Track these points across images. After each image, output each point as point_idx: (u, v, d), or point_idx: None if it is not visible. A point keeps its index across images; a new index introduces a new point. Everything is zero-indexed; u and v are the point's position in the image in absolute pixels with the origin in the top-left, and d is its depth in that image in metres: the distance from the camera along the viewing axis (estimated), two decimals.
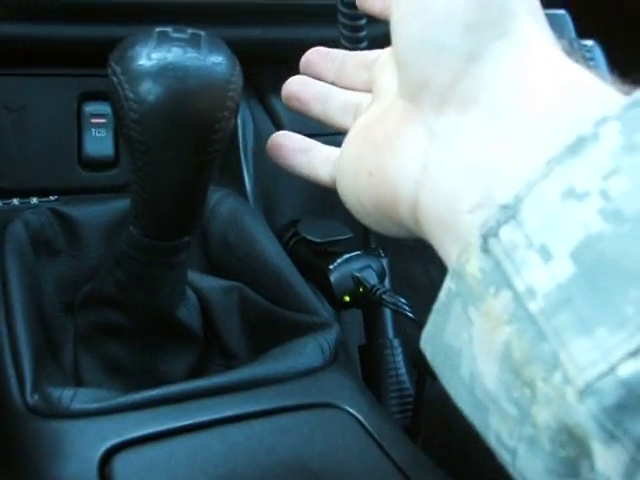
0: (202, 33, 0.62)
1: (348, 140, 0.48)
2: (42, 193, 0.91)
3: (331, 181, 0.51)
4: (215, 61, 0.60)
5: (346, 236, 0.95)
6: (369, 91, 0.52)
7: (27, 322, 0.72)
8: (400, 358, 1.06)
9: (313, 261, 0.94)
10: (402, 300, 0.91)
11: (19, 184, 0.90)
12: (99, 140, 0.93)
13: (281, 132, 0.57)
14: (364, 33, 0.74)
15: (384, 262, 0.98)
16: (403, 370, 1.06)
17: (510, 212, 0.32)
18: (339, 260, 0.92)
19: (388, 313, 1.08)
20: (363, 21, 0.73)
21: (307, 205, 1.04)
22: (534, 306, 0.31)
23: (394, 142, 0.41)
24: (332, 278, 0.91)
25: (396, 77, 0.44)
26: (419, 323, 0.91)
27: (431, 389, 0.91)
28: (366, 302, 0.93)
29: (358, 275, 0.91)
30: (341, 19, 0.74)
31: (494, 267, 0.33)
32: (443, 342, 0.36)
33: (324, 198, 1.06)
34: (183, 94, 0.59)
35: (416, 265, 1.47)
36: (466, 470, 0.80)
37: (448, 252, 0.37)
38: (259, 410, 0.65)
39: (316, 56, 0.57)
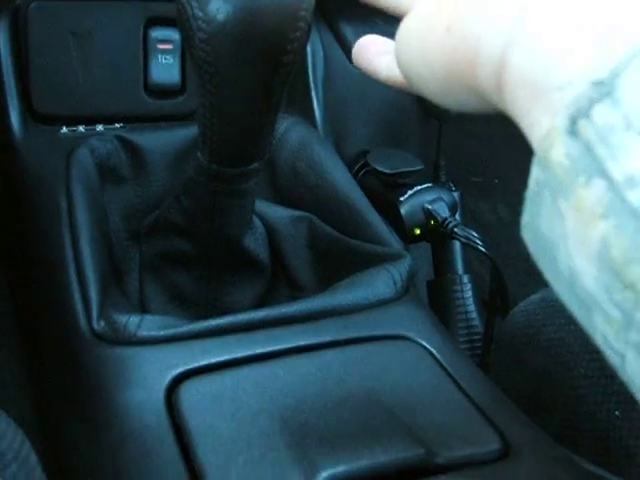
0: None
1: (416, 10, 0.42)
2: (107, 120, 0.90)
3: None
4: None
5: (417, 167, 0.92)
6: None
7: (93, 248, 0.71)
8: (469, 294, 1.04)
9: (382, 193, 0.92)
10: (474, 234, 0.88)
11: (84, 111, 0.89)
12: (165, 67, 0.91)
13: (367, 36, 0.53)
14: None
15: (455, 195, 0.95)
16: (472, 307, 1.04)
17: (605, 89, 0.28)
18: (410, 192, 0.90)
19: (458, 248, 1.06)
20: None
21: (377, 135, 1.02)
22: (635, 197, 0.27)
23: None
24: (402, 210, 0.88)
25: None
26: (491, 258, 0.89)
27: (500, 327, 0.89)
28: (436, 235, 0.91)
29: (429, 207, 0.89)
30: None
31: (584, 152, 0.28)
32: (540, 232, 0.33)
33: (394, 128, 1.03)
34: (254, 13, 0.56)
35: (484, 203, 1.44)
36: (536, 410, 0.78)
37: (534, 126, 0.32)
38: (329, 341, 0.64)
39: None
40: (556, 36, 0.32)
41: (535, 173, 0.31)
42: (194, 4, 0.57)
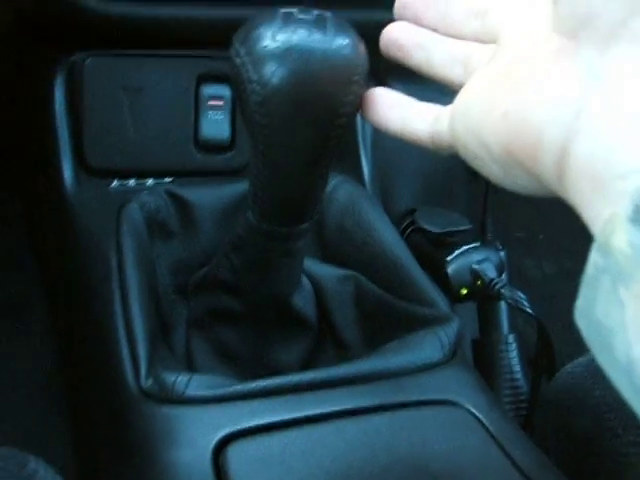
0: (328, 14, 0.60)
1: (471, 86, 0.43)
2: (158, 174, 0.91)
3: (429, 137, 0.47)
4: (341, 44, 0.58)
5: (464, 227, 0.92)
6: (480, 41, 0.46)
7: (142, 305, 0.72)
8: (515, 354, 1.04)
9: (430, 251, 0.92)
10: (521, 295, 0.88)
11: (135, 165, 0.90)
12: (216, 123, 0.92)
13: (377, 88, 0.53)
14: None
15: (502, 255, 0.95)
16: (517, 366, 1.03)
17: None
18: (457, 251, 0.90)
19: (503, 307, 1.05)
20: None
21: (424, 194, 1.02)
22: None
23: (542, 81, 0.36)
24: (449, 270, 0.88)
25: (528, 19, 0.40)
26: (538, 319, 0.88)
27: (547, 386, 0.89)
28: (483, 296, 0.90)
29: (477, 268, 0.88)
30: None
31: None
32: (595, 318, 0.32)
33: (441, 187, 1.04)
34: (308, 77, 0.57)
35: (529, 259, 1.44)
36: (582, 476, 0.77)
37: (596, 218, 0.32)
38: (377, 404, 0.64)
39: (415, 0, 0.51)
40: (620, 125, 0.32)
41: (594, 258, 0.31)
42: (249, 67, 0.58)
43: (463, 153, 0.43)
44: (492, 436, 0.63)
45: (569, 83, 0.35)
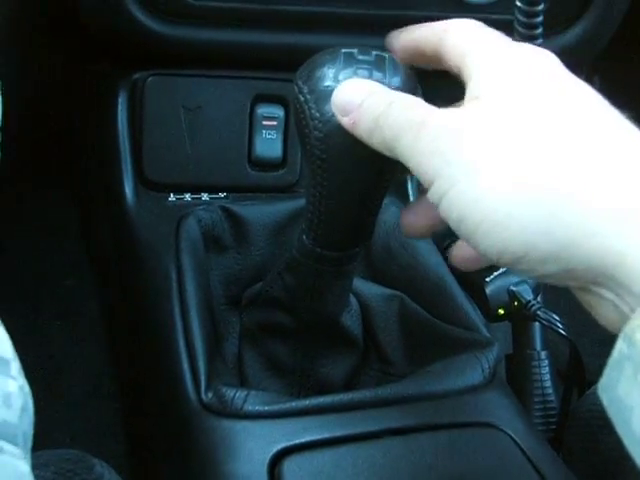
0: (386, 55, 0.63)
1: None
2: (212, 190, 0.95)
3: None
4: (399, 85, 0.61)
5: None
6: None
7: (201, 319, 0.76)
8: (546, 370, 1.07)
9: (469, 272, 0.95)
10: (555, 317, 0.91)
11: (191, 180, 0.95)
12: (269, 142, 0.96)
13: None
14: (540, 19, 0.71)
15: None
16: (549, 383, 1.06)
17: None
18: (495, 273, 0.93)
19: (537, 325, 1.08)
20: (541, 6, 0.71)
21: None
22: None
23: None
24: (488, 290, 0.92)
25: None
26: (571, 340, 0.91)
27: (577, 404, 0.92)
28: (519, 316, 0.94)
29: (514, 289, 0.92)
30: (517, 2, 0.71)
31: None
32: (617, 396, 0.38)
33: None
34: None
35: None
36: None
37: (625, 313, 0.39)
38: (421, 425, 0.67)
39: None
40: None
41: (620, 345, 0.37)
42: (312, 105, 0.61)
43: None
44: (528, 459, 0.66)
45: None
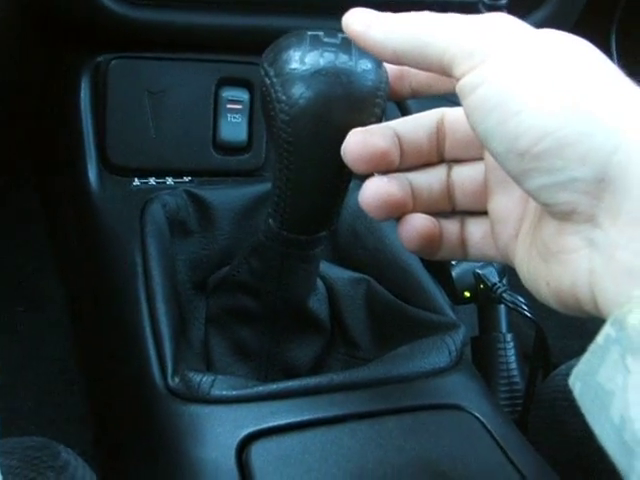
0: None
1: (518, 249, 0.50)
2: (177, 174, 0.95)
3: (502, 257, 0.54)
4: (365, 67, 0.61)
5: None
6: None
7: (167, 304, 0.75)
8: (512, 352, 1.08)
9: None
10: (521, 299, 0.92)
11: (156, 164, 0.94)
12: (234, 125, 0.95)
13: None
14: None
15: None
16: (514, 365, 1.07)
17: None
18: None
19: (502, 308, 1.09)
20: None
21: None
22: None
23: (559, 254, 0.45)
24: (454, 274, 0.92)
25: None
26: (537, 323, 0.92)
27: (542, 386, 0.93)
28: (485, 299, 0.94)
29: (480, 272, 0.92)
30: None
31: None
32: (595, 381, 0.38)
33: None
34: (333, 99, 0.60)
35: None
36: (574, 473, 0.81)
37: (616, 301, 0.40)
38: (389, 408, 0.68)
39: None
40: (618, 279, 0.41)
41: (607, 331, 0.38)
42: (278, 88, 0.61)
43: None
44: (495, 440, 0.67)
45: (578, 253, 0.44)
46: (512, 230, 0.51)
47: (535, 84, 0.42)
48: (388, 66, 0.59)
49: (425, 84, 0.56)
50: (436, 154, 0.56)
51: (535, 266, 0.48)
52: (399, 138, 0.55)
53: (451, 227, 0.56)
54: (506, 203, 0.52)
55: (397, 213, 0.55)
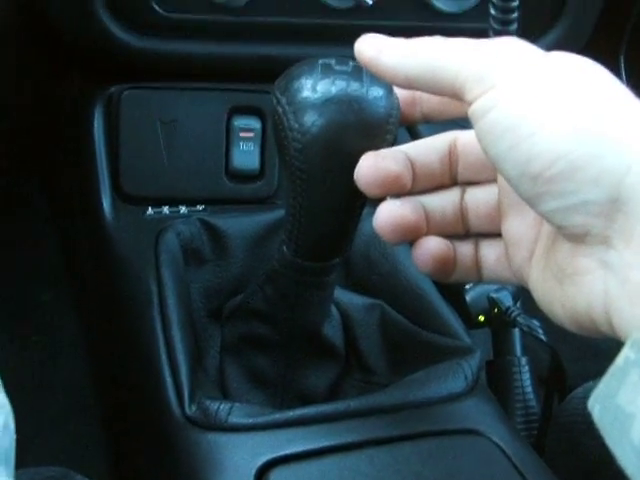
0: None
1: (532, 272, 0.50)
2: (190, 202, 0.95)
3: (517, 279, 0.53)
4: (376, 94, 0.61)
5: None
6: None
7: (182, 333, 0.75)
8: (527, 376, 1.07)
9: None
10: (535, 323, 0.92)
11: (169, 193, 0.94)
12: (246, 153, 0.96)
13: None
14: (515, 15, 0.70)
15: None
16: (530, 388, 1.06)
17: None
18: None
19: (517, 331, 1.09)
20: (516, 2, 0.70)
21: None
22: None
23: (573, 276, 0.45)
24: (468, 298, 0.92)
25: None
26: (551, 347, 0.92)
27: (558, 409, 0.92)
28: (499, 322, 0.94)
29: (494, 296, 0.92)
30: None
31: None
32: (614, 404, 0.38)
33: None
34: (345, 126, 0.60)
35: None
36: None
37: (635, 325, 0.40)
38: (406, 434, 0.67)
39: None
40: (631, 303, 0.41)
41: (626, 353, 0.39)
42: (290, 116, 0.61)
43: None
44: (514, 465, 0.67)
45: (593, 275, 0.44)
46: (526, 252, 0.51)
47: (546, 107, 0.43)
48: (399, 91, 0.59)
49: (437, 109, 0.56)
50: (449, 177, 0.56)
51: (550, 288, 0.48)
52: (411, 161, 0.55)
53: (465, 249, 0.56)
54: (520, 226, 0.52)
55: (411, 236, 0.55)
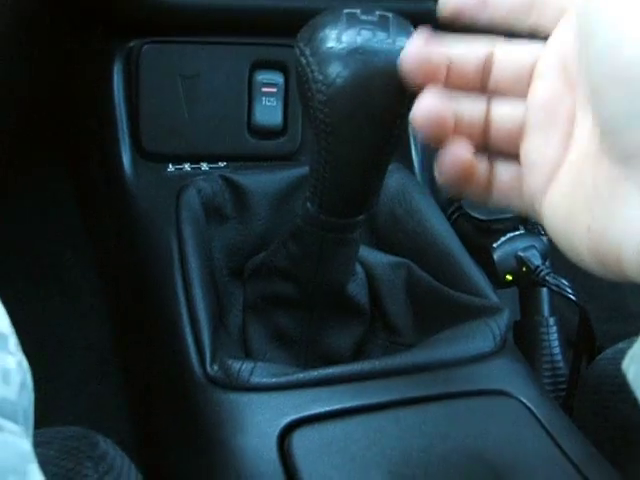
0: (390, 15, 0.61)
1: (553, 191, 0.47)
2: (212, 159, 0.94)
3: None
4: (403, 45, 0.59)
5: (510, 214, 0.94)
6: None
7: (204, 292, 0.74)
8: (555, 337, 1.06)
9: (475, 237, 0.94)
10: (564, 282, 0.90)
11: (190, 150, 0.93)
12: (269, 109, 0.94)
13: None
14: None
15: (546, 241, 0.97)
16: (557, 349, 1.05)
17: None
18: (503, 238, 0.92)
19: (545, 291, 1.07)
20: None
21: None
22: None
23: (610, 203, 0.41)
24: (495, 256, 0.90)
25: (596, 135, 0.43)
26: (581, 306, 0.90)
27: (587, 371, 0.91)
28: (527, 282, 0.93)
29: (522, 255, 0.90)
30: None
31: None
32: None
33: None
34: (371, 77, 0.58)
35: None
36: (621, 459, 0.79)
37: None
38: (433, 394, 0.66)
39: None
40: None
41: None
42: (314, 67, 0.59)
43: (557, 244, 0.47)
44: (542, 426, 0.65)
45: (633, 205, 0.40)
46: (544, 176, 0.48)
47: None
48: None
49: (509, 17, 0.53)
50: (479, 84, 0.54)
51: (574, 215, 0.44)
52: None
53: (480, 166, 0.53)
54: (543, 147, 0.48)
55: (442, 132, 0.52)
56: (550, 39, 0.48)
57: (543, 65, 0.47)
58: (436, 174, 0.52)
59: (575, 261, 0.45)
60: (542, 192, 0.47)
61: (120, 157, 0.90)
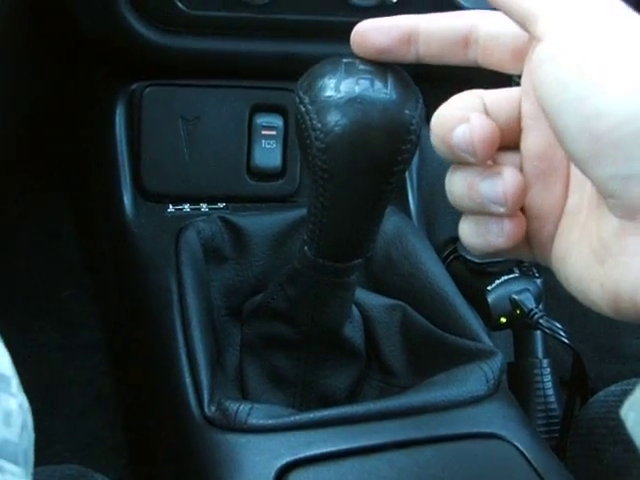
0: (387, 64, 0.63)
1: (562, 246, 0.47)
2: (211, 200, 0.95)
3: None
4: (400, 95, 0.61)
5: (505, 258, 0.95)
6: None
7: (202, 332, 0.75)
8: (549, 378, 1.07)
9: (470, 280, 0.95)
10: (558, 325, 0.91)
11: (190, 191, 0.94)
12: (268, 151, 0.96)
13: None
14: None
15: (539, 282, 0.98)
16: (551, 391, 1.06)
17: None
18: (497, 281, 0.93)
19: (539, 333, 1.08)
20: None
21: None
22: None
23: (619, 256, 0.41)
24: (490, 299, 0.92)
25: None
26: (574, 349, 0.91)
27: (580, 412, 0.91)
28: (521, 324, 0.94)
29: (516, 298, 0.92)
30: None
31: None
32: None
33: None
34: (369, 127, 0.59)
35: None
36: None
37: None
38: (426, 437, 0.67)
39: None
40: None
41: None
42: (313, 116, 0.61)
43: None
44: (535, 470, 0.66)
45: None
46: (550, 227, 0.48)
47: (625, 57, 0.39)
48: (395, 26, 0.54)
49: (435, 53, 0.52)
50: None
51: (585, 267, 0.44)
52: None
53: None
54: (544, 197, 0.48)
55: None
56: (523, 87, 0.47)
57: (527, 118, 0.47)
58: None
59: (592, 309, 0.45)
60: (550, 243, 0.48)
61: (121, 197, 0.92)
